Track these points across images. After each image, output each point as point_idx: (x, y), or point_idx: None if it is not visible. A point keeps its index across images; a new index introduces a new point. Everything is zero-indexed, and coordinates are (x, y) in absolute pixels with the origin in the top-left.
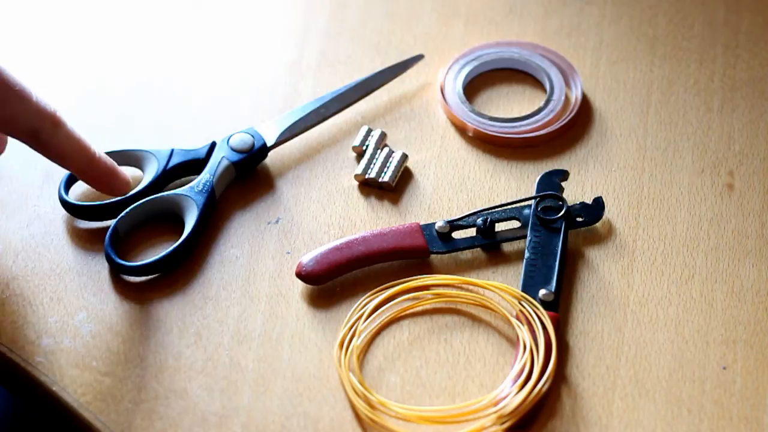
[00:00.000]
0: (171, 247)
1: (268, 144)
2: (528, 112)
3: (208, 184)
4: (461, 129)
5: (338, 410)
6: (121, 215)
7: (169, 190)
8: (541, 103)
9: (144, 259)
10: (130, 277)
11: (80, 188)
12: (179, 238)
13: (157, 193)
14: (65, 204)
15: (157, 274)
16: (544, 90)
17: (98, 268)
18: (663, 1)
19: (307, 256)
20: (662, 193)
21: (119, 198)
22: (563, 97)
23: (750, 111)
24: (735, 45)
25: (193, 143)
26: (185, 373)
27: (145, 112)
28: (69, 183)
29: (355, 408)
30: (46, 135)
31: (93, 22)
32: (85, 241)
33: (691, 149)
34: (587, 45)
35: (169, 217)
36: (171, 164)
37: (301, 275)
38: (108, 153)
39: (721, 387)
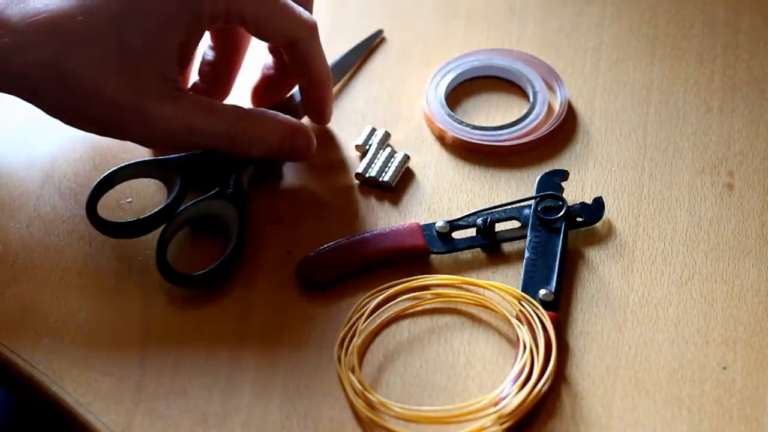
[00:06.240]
0: (227, 251)
1: None
2: (511, 120)
3: (239, 185)
4: (441, 138)
5: (338, 410)
6: (167, 224)
7: (194, 195)
8: (524, 111)
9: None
10: (185, 287)
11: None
12: (226, 244)
13: (183, 200)
14: (97, 221)
15: (213, 283)
16: (527, 97)
17: (98, 268)
18: (663, 1)
19: (307, 257)
20: (662, 193)
21: (151, 213)
22: (546, 104)
23: (750, 111)
24: (735, 45)
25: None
26: (185, 372)
27: None
28: (94, 199)
29: (355, 408)
30: (304, 44)
31: None
32: (86, 241)
33: (691, 149)
34: (587, 45)
35: (205, 223)
36: (192, 170)
37: (301, 275)
38: (127, 165)
39: (721, 387)
